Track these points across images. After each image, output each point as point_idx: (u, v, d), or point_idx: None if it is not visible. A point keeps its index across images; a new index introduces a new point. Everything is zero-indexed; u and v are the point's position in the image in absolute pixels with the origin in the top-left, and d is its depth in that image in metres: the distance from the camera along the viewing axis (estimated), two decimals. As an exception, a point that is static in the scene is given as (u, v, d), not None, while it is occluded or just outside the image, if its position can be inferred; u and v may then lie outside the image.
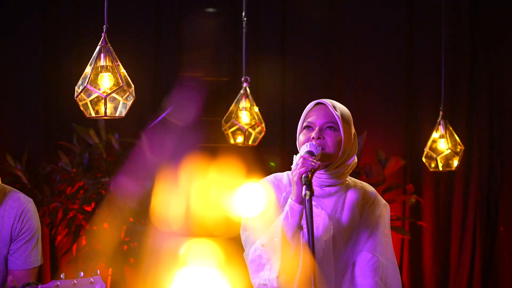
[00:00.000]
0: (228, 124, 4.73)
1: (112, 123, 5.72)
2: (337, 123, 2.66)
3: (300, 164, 2.52)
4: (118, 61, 3.11)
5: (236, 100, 4.73)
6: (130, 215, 5.38)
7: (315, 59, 6.23)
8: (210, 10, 6.26)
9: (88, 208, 5.47)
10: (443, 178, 6.12)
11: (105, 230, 5.45)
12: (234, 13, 5.88)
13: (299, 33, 6.25)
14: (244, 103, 4.74)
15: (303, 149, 2.62)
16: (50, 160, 5.68)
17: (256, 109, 4.74)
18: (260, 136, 4.74)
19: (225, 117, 4.75)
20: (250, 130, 4.72)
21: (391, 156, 5.90)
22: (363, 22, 6.26)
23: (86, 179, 5.37)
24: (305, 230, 2.52)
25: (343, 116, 2.68)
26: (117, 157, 5.48)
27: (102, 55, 3.15)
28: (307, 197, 2.42)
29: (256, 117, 4.72)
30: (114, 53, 3.13)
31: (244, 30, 4.81)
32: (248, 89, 4.73)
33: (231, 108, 4.73)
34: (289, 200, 2.57)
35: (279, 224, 2.57)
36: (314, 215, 2.56)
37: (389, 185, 5.76)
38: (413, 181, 6.11)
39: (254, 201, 2.71)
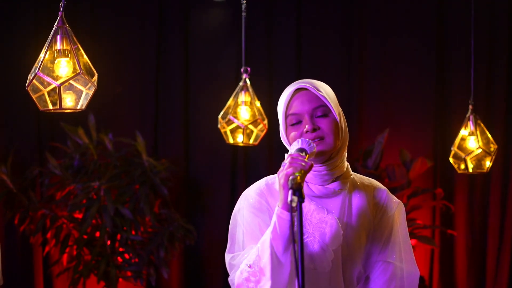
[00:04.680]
0: (225, 121, 4.20)
1: (106, 122, 5.32)
2: (327, 106, 2.32)
3: (287, 164, 2.16)
4: (78, 44, 2.67)
5: (234, 93, 4.21)
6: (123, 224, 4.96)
7: (334, 48, 5.92)
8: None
9: (78, 215, 5.03)
10: (477, 181, 5.79)
11: (96, 240, 5.05)
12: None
13: (317, 17, 5.93)
14: (244, 97, 4.21)
15: (293, 146, 2.27)
16: (43, 163, 5.28)
17: (258, 103, 4.22)
18: (262, 134, 4.22)
19: (222, 113, 4.22)
20: (251, 127, 4.19)
21: (417, 156, 5.59)
22: (389, 8, 5.93)
23: (75, 183, 4.93)
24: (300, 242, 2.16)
25: (329, 96, 2.34)
26: (110, 159, 5.03)
27: (58, 37, 2.72)
28: (294, 204, 2.06)
29: (257, 113, 4.18)
30: (73, 35, 2.69)
31: (243, 14, 4.31)
32: (248, 81, 4.22)
33: (228, 103, 4.21)
34: (276, 207, 2.22)
35: (268, 238, 2.22)
36: (317, 220, 2.33)
37: (414, 189, 5.42)
38: (443, 184, 5.78)
39: (243, 213, 2.39)
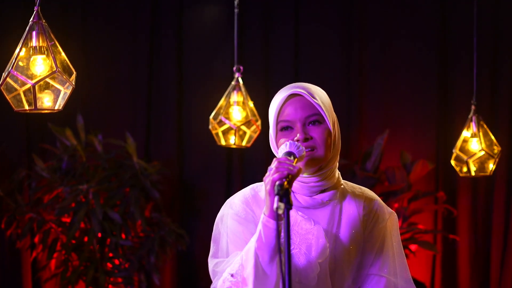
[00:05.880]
0: (216, 122, 4.05)
1: (96, 123, 5.24)
2: (320, 114, 2.23)
3: (274, 168, 2.09)
4: (55, 40, 2.56)
5: (226, 93, 4.07)
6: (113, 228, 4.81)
7: (333, 48, 5.79)
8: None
9: (66, 219, 4.89)
10: (480, 184, 5.66)
11: (84, 245, 4.90)
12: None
13: (316, 17, 5.80)
14: (236, 97, 4.07)
15: (281, 150, 2.17)
16: (31, 165, 5.14)
17: (251, 103, 4.09)
18: (255, 135, 4.09)
19: (213, 113, 4.08)
20: (243, 128, 4.05)
21: (418, 158, 5.47)
22: (390, 8, 5.82)
23: (63, 186, 4.79)
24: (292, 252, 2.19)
25: (324, 103, 2.25)
26: (99, 161, 4.88)
27: (33, 33, 2.60)
28: (280, 211, 1.96)
29: (250, 113, 4.05)
30: (49, 31, 2.58)
31: (236, 10, 4.20)
32: (240, 80, 4.10)
33: (220, 103, 4.07)
34: (262, 215, 2.13)
35: (252, 247, 2.14)
36: (304, 231, 2.24)
37: (415, 192, 5.31)
38: (445, 188, 5.67)
39: (226, 220, 2.34)
